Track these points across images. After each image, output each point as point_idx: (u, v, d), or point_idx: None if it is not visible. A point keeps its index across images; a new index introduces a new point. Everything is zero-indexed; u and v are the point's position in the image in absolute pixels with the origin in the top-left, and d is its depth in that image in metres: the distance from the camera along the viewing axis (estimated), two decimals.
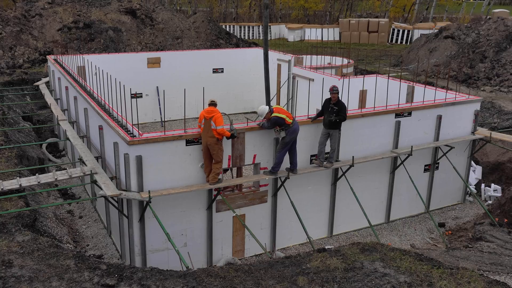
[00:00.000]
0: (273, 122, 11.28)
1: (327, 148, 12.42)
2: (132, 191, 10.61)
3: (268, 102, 16.31)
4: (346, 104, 12.24)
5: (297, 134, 11.56)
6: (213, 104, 10.88)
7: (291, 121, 11.36)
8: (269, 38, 33.67)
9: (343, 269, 8.53)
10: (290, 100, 21.20)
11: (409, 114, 13.75)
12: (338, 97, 12.04)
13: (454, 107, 14.56)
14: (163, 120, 22.42)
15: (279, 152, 11.62)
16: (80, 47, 29.20)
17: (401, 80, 16.59)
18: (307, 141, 12.36)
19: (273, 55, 22.42)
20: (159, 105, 22.91)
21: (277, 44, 41.87)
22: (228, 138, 10.92)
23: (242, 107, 24.77)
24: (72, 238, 12.78)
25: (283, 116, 11.28)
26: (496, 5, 67.70)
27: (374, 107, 13.64)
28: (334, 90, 11.92)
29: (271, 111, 11.38)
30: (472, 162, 16.25)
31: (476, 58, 28.75)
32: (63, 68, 18.23)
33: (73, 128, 15.93)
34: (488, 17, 34.43)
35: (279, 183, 12.23)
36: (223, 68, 24.24)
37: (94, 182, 11.27)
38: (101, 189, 10.67)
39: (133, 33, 33.40)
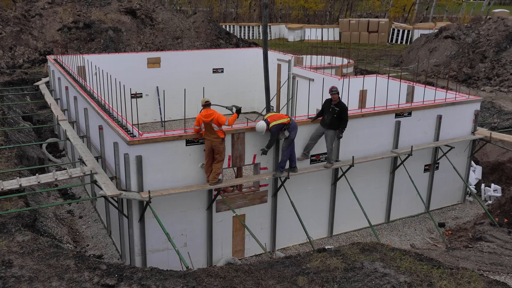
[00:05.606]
0: (274, 131, 11.34)
1: (324, 149, 12.44)
2: (132, 191, 10.61)
3: (268, 102, 16.33)
4: (346, 104, 12.23)
5: (297, 128, 11.62)
6: (207, 104, 10.80)
7: (287, 119, 11.45)
8: (269, 38, 33.65)
9: (343, 269, 8.53)
10: (290, 100, 21.20)
11: (409, 114, 13.75)
12: (339, 97, 12.04)
13: (454, 107, 14.56)
14: (163, 120, 22.40)
15: (286, 150, 11.68)
16: (80, 47, 29.18)
17: (401, 80, 16.59)
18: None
19: (273, 55, 22.41)
20: (159, 105, 22.91)
21: (277, 44, 41.89)
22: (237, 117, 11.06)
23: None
24: (72, 238, 12.78)
25: (279, 121, 11.37)
26: (496, 5, 67.68)
27: (374, 107, 13.64)
28: (333, 91, 11.92)
29: (267, 123, 11.37)
30: (472, 162, 16.25)
31: (476, 58, 28.74)
32: (63, 68, 18.23)
33: (73, 128, 15.93)
34: (488, 17, 34.40)
35: (279, 183, 12.23)
36: (223, 68, 24.24)
37: (94, 182, 11.27)
38: (101, 189, 10.67)
39: (133, 33, 33.38)
